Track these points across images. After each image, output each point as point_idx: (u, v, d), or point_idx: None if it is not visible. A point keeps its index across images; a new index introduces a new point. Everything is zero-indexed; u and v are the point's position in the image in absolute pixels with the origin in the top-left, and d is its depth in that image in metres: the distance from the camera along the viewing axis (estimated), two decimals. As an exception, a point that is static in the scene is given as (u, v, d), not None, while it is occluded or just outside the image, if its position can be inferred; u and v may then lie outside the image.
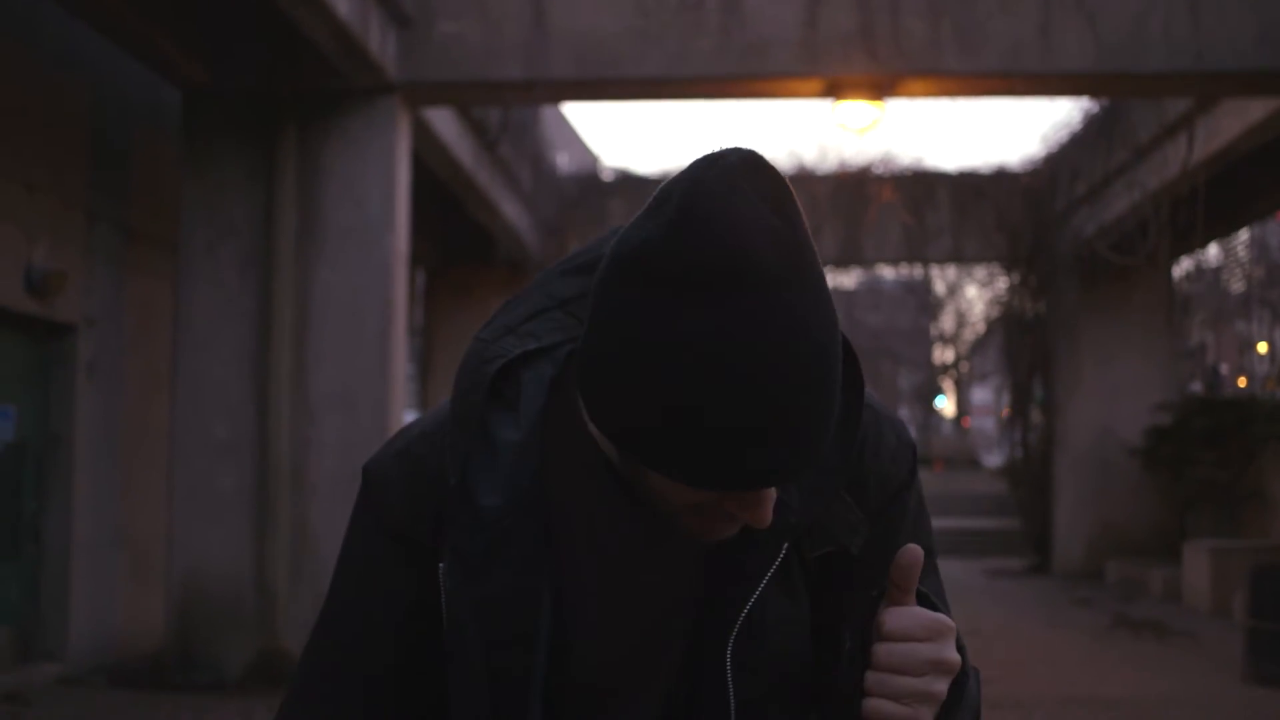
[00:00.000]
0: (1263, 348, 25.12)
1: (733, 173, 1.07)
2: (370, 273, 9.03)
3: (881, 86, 8.91)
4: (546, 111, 15.63)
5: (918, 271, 29.37)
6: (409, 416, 19.41)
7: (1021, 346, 16.78)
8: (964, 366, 38.67)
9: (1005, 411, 44.38)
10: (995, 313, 17.60)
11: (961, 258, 17.13)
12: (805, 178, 16.09)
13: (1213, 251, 15.52)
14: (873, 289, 40.87)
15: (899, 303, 39.11)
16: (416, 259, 16.22)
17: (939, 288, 34.89)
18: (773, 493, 1.13)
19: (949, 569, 11.53)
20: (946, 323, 35.67)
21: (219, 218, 9.08)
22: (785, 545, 1.22)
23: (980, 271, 20.17)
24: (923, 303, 37.85)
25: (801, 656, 1.26)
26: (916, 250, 16.33)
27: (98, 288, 9.35)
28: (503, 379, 1.23)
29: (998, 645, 10.51)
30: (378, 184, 9.06)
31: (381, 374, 8.97)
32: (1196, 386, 22.41)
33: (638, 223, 1.09)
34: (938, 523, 21.64)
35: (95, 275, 9.32)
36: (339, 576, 1.33)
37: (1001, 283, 16.88)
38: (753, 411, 1.04)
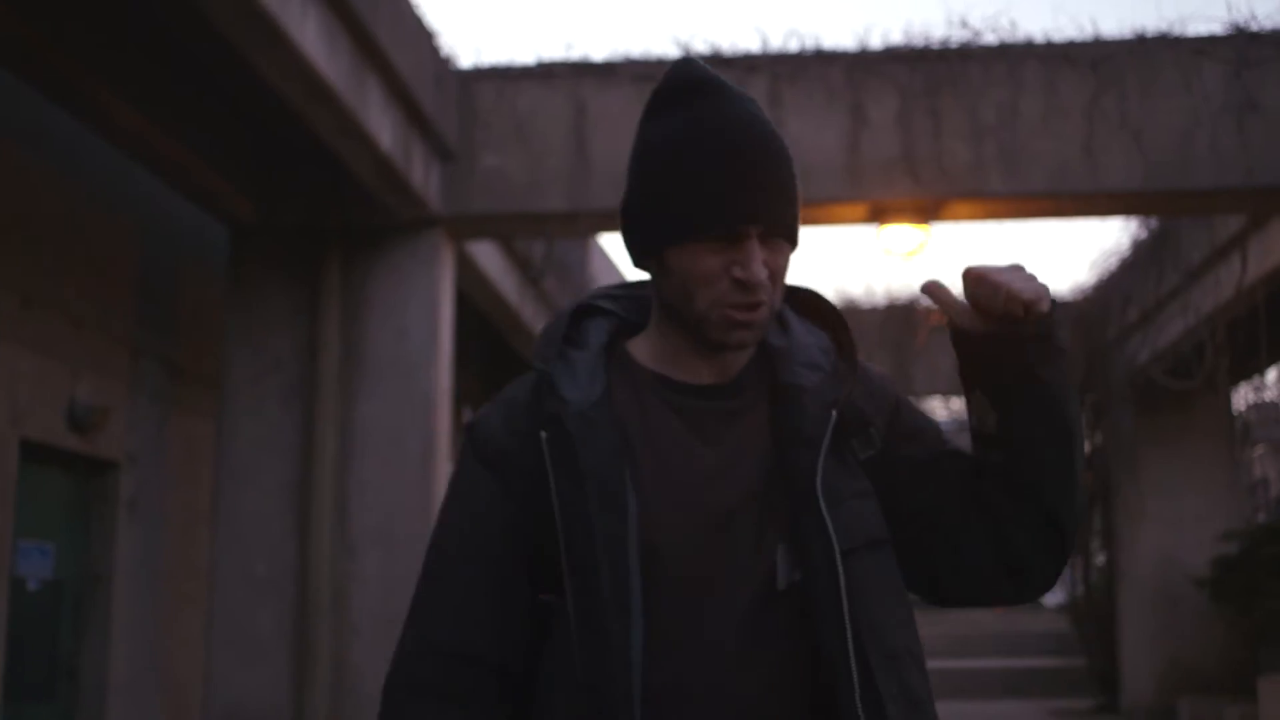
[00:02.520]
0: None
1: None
2: (412, 406, 8.95)
3: (926, 210, 8.83)
4: (592, 248, 15.71)
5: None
6: None
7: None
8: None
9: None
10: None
11: (1014, 387, 16.88)
12: (853, 310, 15.99)
13: (1273, 377, 15.13)
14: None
15: (951, 438, 38.78)
16: (462, 395, 16.21)
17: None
18: (758, 251, 1.44)
19: (1010, 711, 11.21)
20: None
21: (263, 351, 9.06)
22: (833, 413, 1.48)
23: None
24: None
25: (876, 523, 1.50)
26: (967, 381, 16.10)
27: (140, 424, 9.32)
28: (575, 328, 1.59)
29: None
30: (421, 317, 9.03)
31: (423, 508, 8.82)
32: (1262, 519, 21.81)
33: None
34: (997, 663, 20.84)
35: (138, 411, 9.29)
36: (445, 508, 1.58)
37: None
38: (725, 160, 1.41)
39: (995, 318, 1.48)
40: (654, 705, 1.36)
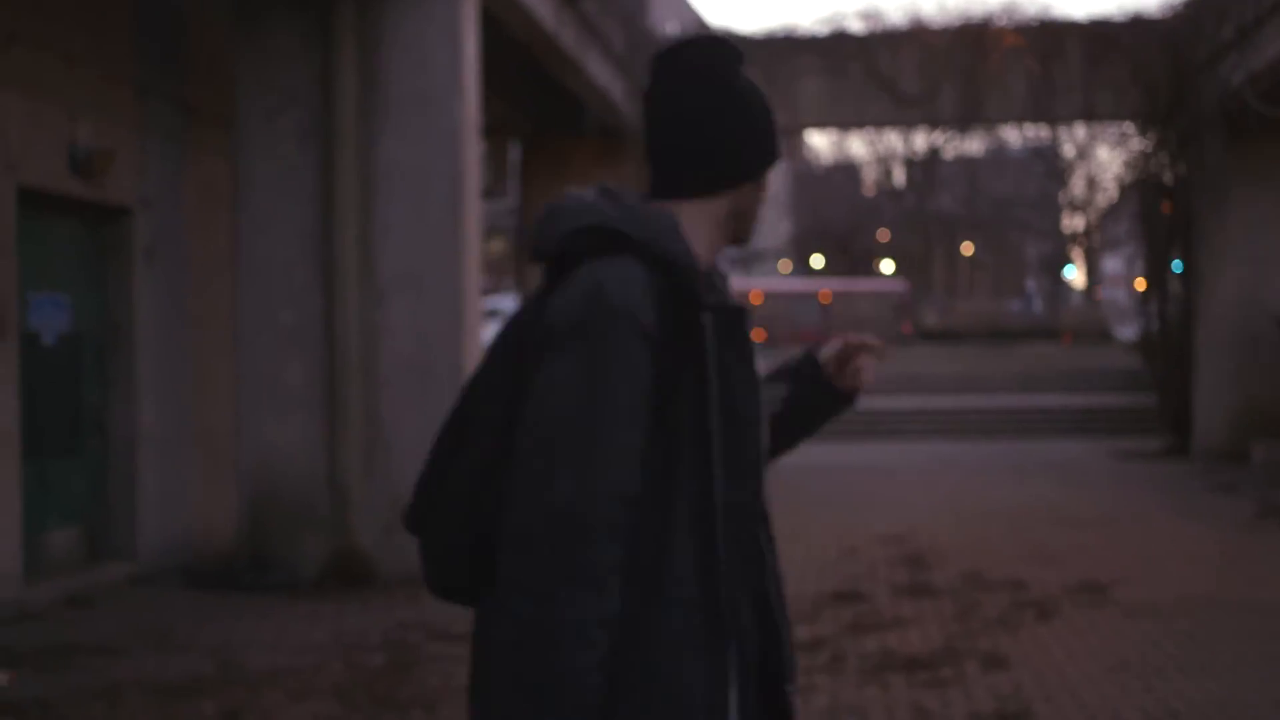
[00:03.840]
0: None
1: None
2: (437, 142, 8.31)
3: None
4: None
5: (1045, 133, 27.84)
6: (494, 302, 18.68)
7: (1160, 211, 15.49)
8: (1095, 235, 36.90)
9: (1139, 282, 42.63)
10: (1130, 176, 16.22)
11: (1094, 115, 15.85)
12: (921, 30, 14.90)
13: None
14: (997, 156, 39.01)
15: (1025, 168, 37.38)
16: (507, 129, 15.51)
17: (1068, 151, 33.17)
18: None
19: (1075, 451, 10.85)
20: (1076, 188, 33.89)
21: (275, 87, 8.41)
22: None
23: (1114, 130, 18.80)
24: (1051, 168, 36.09)
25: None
26: (1044, 108, 15.10)
27: (153, 167, 8.77)
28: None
29: (1131, 538, 9.64)
30: (442, 46, 8.29)
31: (452, 251, 8.30)
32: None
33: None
34: (1064, 400, 20.34)
35: (149, 154, 8.73)
36: (609, 372, 1.75)
37: (1137, 143, 15.51)
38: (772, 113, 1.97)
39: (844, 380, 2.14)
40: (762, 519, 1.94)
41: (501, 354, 1.86)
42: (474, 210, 8.62)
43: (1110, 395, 20.87)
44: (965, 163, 39.29)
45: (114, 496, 8.55)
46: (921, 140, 33.17)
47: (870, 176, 45.80)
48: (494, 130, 15.67)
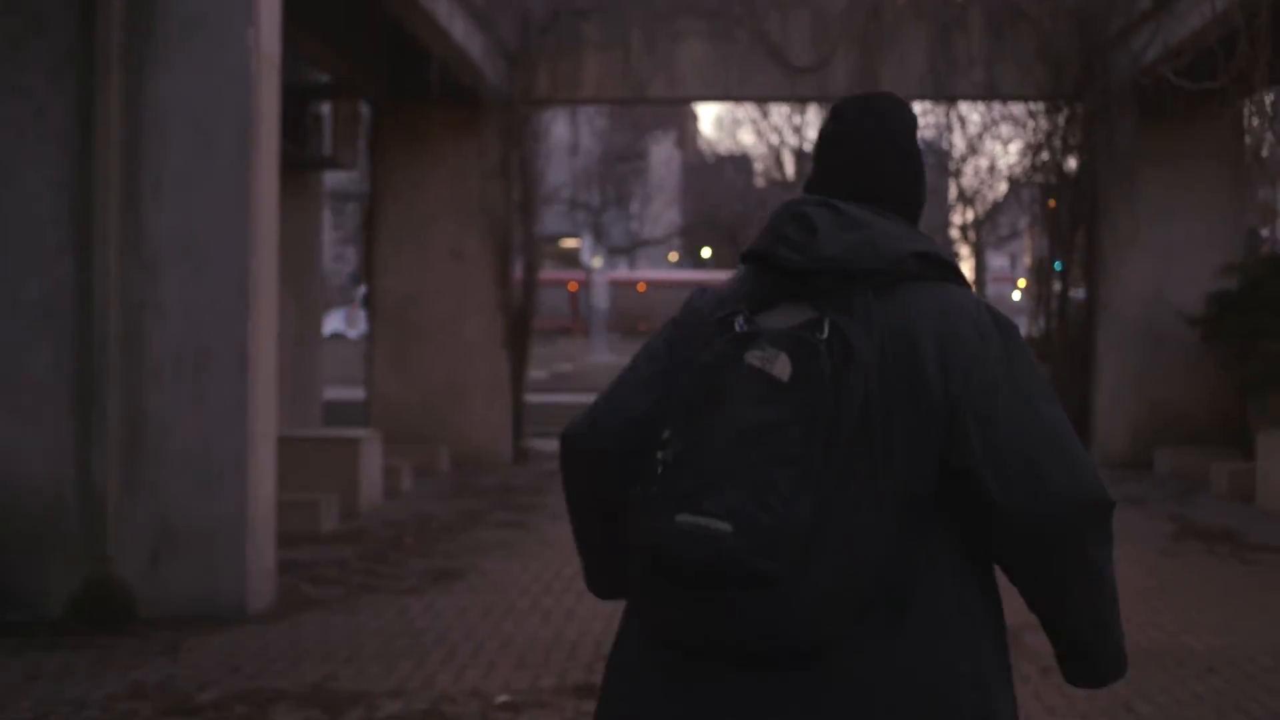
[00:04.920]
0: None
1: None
2: (223, 77, 6.78)
3: None
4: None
5: (941, 119, 26.84)
6: (333, 323, 16.88)
7: (1063, 198, 14.41)
8: (984, 228, 36.21)
9: (1023, 282, 42.03)
10: (1030, 159, 15.10)
11: (996, 94, 14.70)
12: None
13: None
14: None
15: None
16: (355, 91, 13.91)
17: (959, 142, 32.35)
18: None
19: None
20: (966, 180, 33.10)
21: (19, 7, 6.79)
22: None
23: (1014, 114, 17.75)
24: (941, 160, 35.26)
25: None
26: (944, 85, 13.91)
27: None
28: None
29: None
30: (231, -43, 6.75)
31: (239, 214, 6.75)
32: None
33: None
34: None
35: None
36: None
37: (1043, 122, 14.38)
38: None
39: None
40: None
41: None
42: (271, 166, 7.07)
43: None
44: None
45: None
46: (814, 120, 32.16)
47: (761, 168, 44.85)
48: (341, 93, 14.06)
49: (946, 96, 15.08)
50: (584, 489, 1.95)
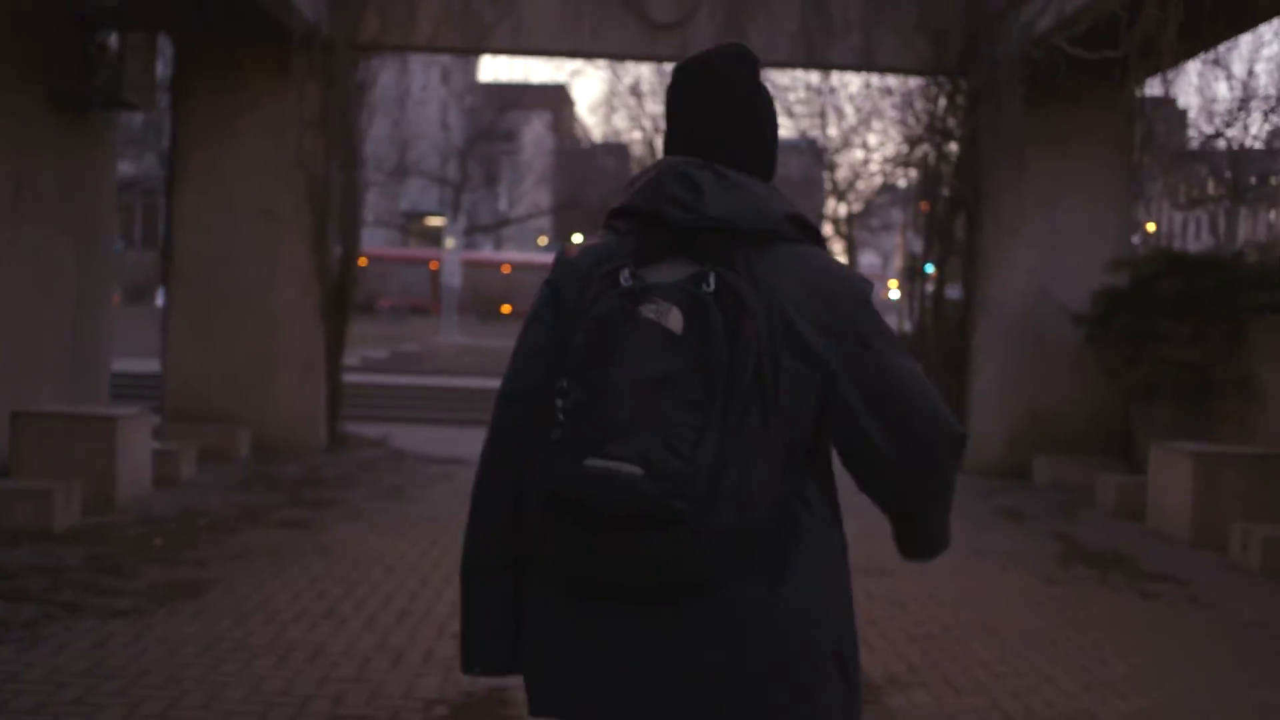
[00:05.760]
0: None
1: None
2: None
3: None
4: None
5: (814, 76, 25.76)
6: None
7: (943, 184, 13.23)
8: (855, 224, 35.35)
9: (894, 282, 41.38)
10: (910, 151, 13.92)
11: (873, 64, 13.43)
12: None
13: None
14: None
15: (791, 150, 35.47)
16: (149, 20, 12.08)
17: (833, 132, 31.37)
18: None
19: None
20: (840, 173, 32.16)
21: None
22: None
23: (896, 101, 16.60)
24: (815, 152, 34.27)
25: None
26: (816, 49, 12.61)
27: None
28: None
29: (910, 594, 7.01)
30: None
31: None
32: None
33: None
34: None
35: None
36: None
37: (921, 101, 13.20)
38: None
39: None
40: None
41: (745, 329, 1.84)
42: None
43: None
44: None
45: None
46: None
47: (637, 154, 43.71)
48: (132, 22, 12.22)
49: (819, 64, 13.81)
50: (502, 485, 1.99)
